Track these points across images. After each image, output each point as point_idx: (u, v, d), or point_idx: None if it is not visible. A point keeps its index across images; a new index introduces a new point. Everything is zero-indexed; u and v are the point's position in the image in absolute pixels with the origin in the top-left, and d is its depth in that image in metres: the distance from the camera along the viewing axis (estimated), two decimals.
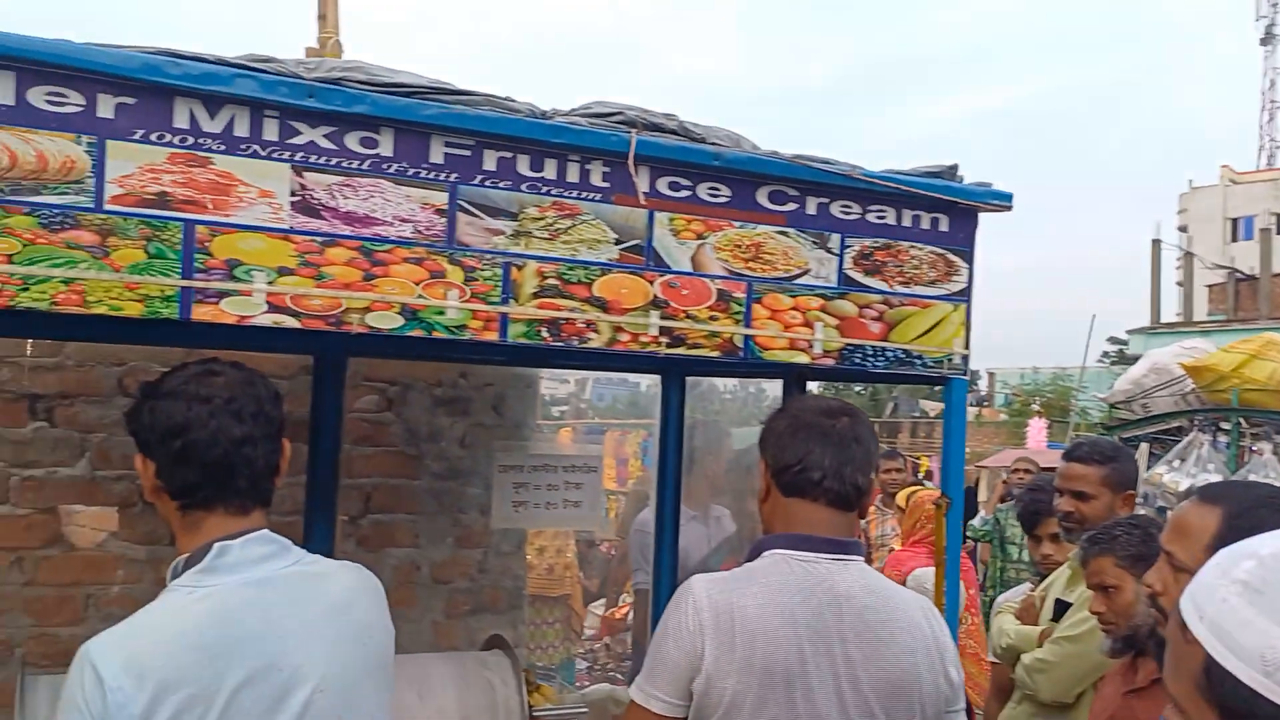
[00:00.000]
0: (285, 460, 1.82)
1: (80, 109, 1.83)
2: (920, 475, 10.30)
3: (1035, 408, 23.50)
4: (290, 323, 1.97)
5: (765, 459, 2.06)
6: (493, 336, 2.13)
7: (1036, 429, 19.39)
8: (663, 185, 2.27)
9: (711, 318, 2.31)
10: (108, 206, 1.85)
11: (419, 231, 2.07)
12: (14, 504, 3.29)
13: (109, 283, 1.85)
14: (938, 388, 2.65)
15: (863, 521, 2.42)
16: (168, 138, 1.89)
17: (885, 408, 30.23)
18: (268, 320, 1.95)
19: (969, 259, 2.58)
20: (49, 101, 1.81)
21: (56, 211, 1.82)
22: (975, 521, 7.38)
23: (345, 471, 3.47)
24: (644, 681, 1.94)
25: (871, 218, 2.47)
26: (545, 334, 2.17)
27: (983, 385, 35.45)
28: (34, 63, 1.79)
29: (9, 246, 1.79)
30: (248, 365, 1.83)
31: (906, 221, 2.50)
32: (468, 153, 2.11)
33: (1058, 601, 3.27)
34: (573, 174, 2.19)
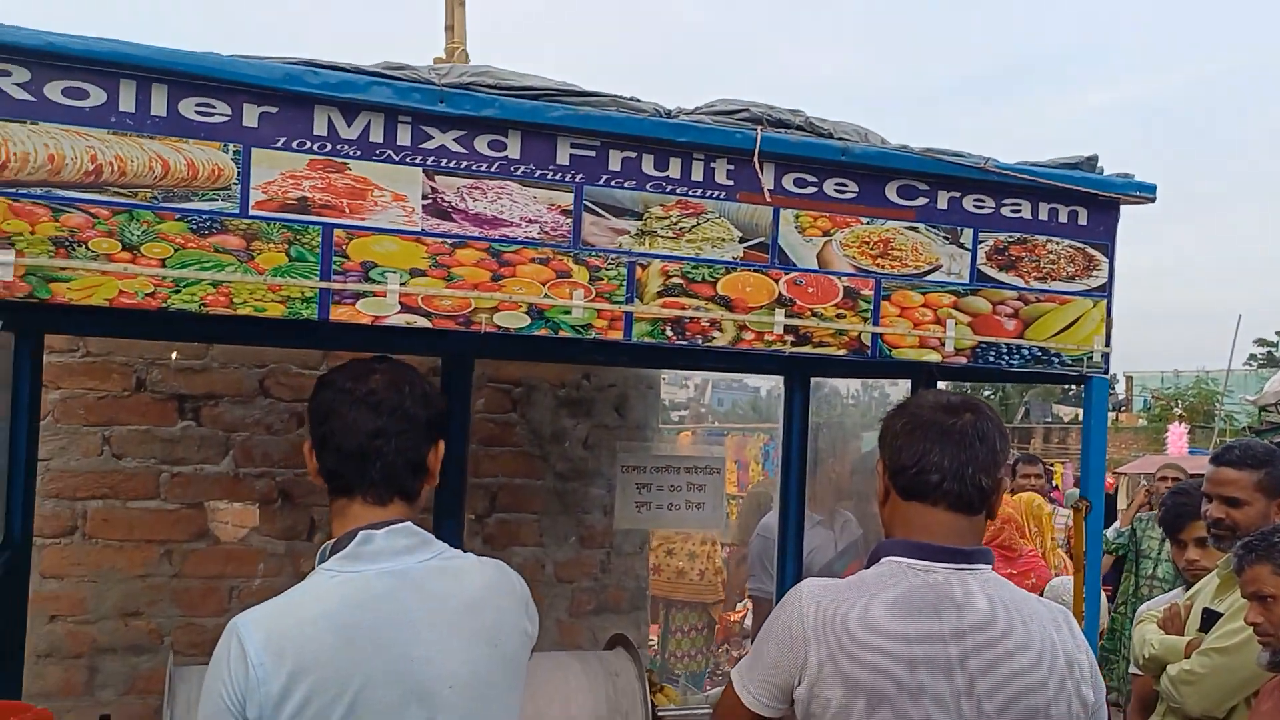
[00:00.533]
0: (435, 458, 1.86)
1: (226, 119, 1.91)
2: (1054, 483, 9.92)
3: (1177, 412, 22.46)
4: (422, 323, 2.02)
5: (883, 459, 1.98)
6: (617, 336, 2.14)
7: (1177, 435, 18.51)
8: (788, 182, 2.25)
9: (838, 316, 2.28)
10: (252, 212, 1.93)
11: (545, 232, 2.10)
12: (164, 499, 3.46)
13: (253, 285, 1.93)
14: (1072, 390, 2.55)
15: None
16: (307, 144, 1.96)
17: (1016, 412, 29.32)
18: (400, 320, 2.01)
19: (1109, 253, 2.48)
20: (198, 112, 1.90)
21: (205, 217, 1.91)
22: (1109, 533, 7.05)
23: (471, 471, 3.55)
24: (744, 670, 1.90)
25: (1006, 212, 2.39)
26: (669, 333, 2.17)
27: (1120, 389, 34.09)
28: (185, 75, 1.88)
29: (162, 251, 1.88)
30: (411, 367, 1.87)
31: (1043, 215, 2.42)
32: (593, 153, 2.13)
33: (1206, 611, 3.11)
34: (697, 172, 2.19)
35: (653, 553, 7.03)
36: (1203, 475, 3.32)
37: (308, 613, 1.68)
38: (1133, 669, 3.52)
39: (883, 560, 1.91)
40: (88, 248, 1.84)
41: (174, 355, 3.47)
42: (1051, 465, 12.36)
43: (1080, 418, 2.69)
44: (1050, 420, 27.80)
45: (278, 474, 3.55)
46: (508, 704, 1.84)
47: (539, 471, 3.89)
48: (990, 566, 1.92)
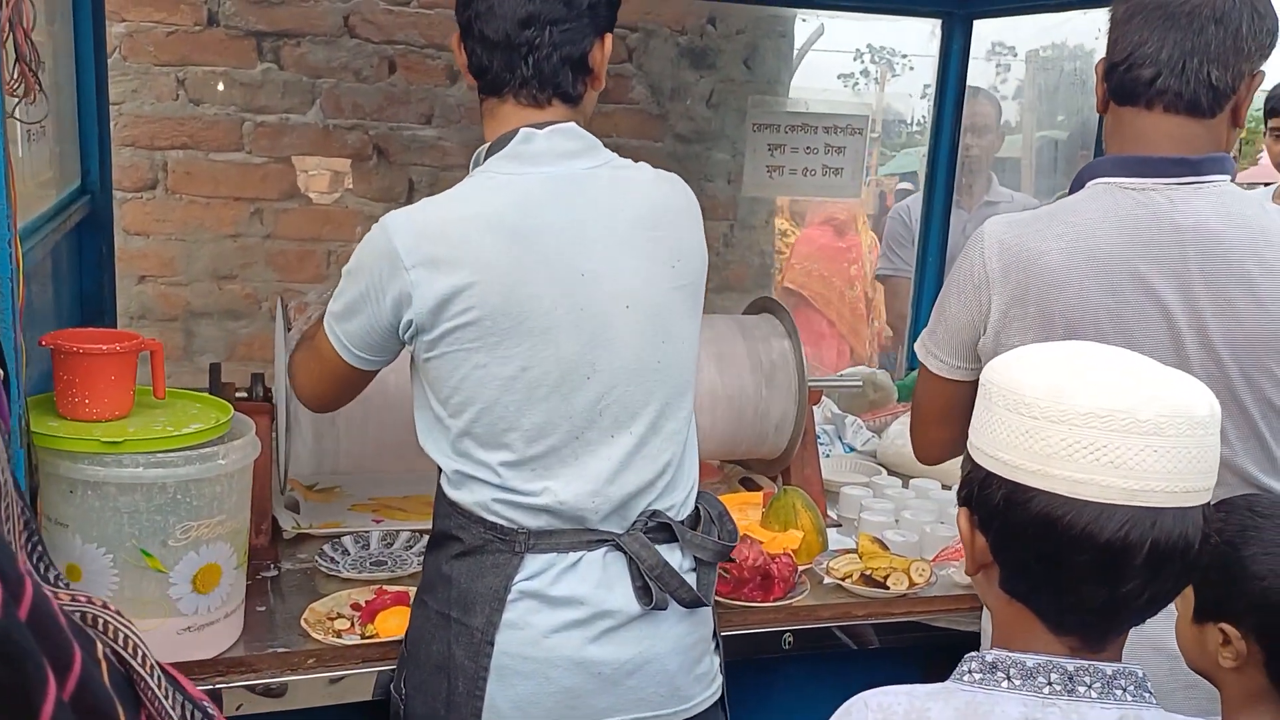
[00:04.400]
0: (601, 55, 1.54)
1: None
2: None
3: None
4: None
5: (1105, 57, 1.61)
6: None
7: None
8: None
9: None
10: None
11: None
12: (249, 151, 3.14)
13: None
14: None
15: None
16: None
17: None
18: None
19: None
20: None
21: None
22: None
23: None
24: (926, 336, 1.68)
25: None
26: None
27: None
28: None
29: None
30: None
31: None
32: None
33: None
34: None
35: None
36: None
37: (466, 211, 1.45)
38: None
39: (1087, 184, 1.56)
40: None
41: None
42: None
43: None
44: None
45: (370, 127, 3.20)
46: (687, 333, 1.56)
47: (658, 132, 3.49)
48: (1229, 177, 1.54)
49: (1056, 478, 0.92)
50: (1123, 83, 1.55)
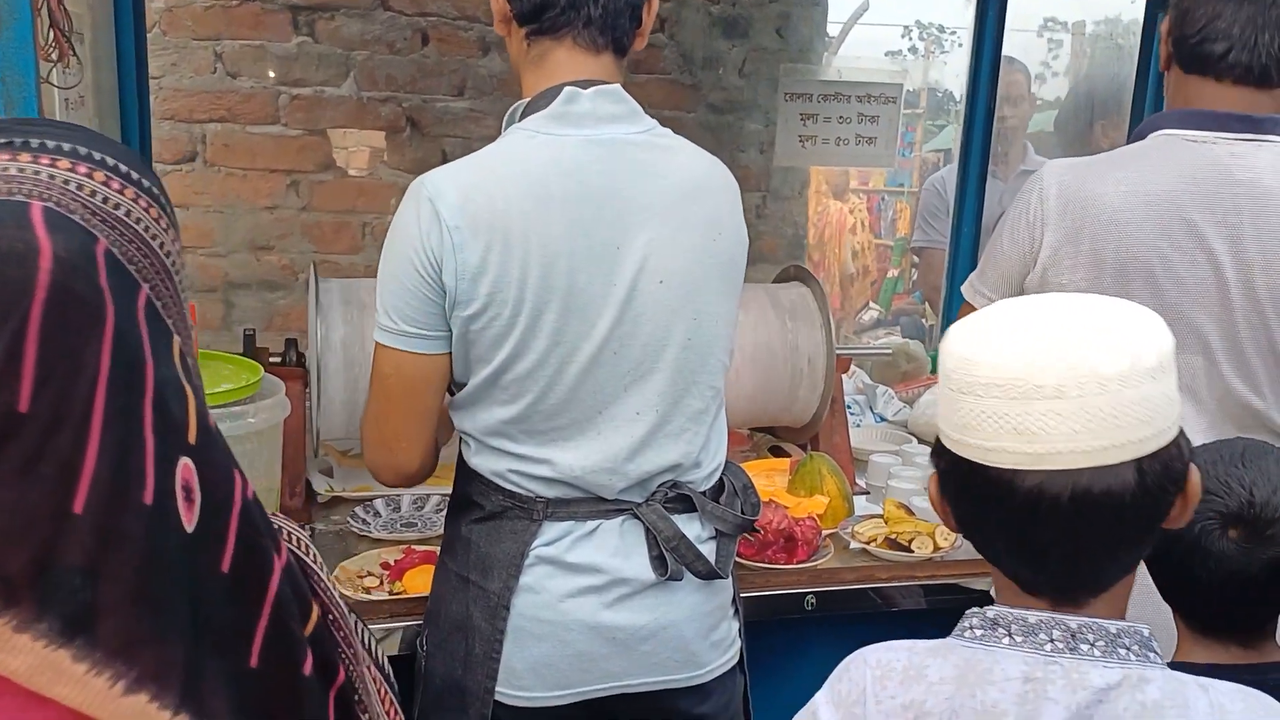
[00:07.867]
0: (648, 14, 1.49)
1: None
2: None
3: None
4: None
5: (1169, 18, 1.65)
6: None
7: None
8: None
9: None
10: None
11: None
12: (285, 124, 3.18)
13: None
14: None
15: None
16: None
17: None
18: None
19: None
20: None
21: None
22: None
23: None
24: (975, 278, 1.73)
25: None
26: None
27: None
28: None
29: None
30: None
31: None
32: None
33: None
34: None
35: None
36: None
37: (506, 171, 1.39)
38: None
39: (1151, 135, 1.62)
40: None
41: None
42: None
43: None
44: None
45: (404, 99, 3.23)
46: (721, 311, 1.52)
47: (690, 102, 3.48)
48: None
49: (971, 446, 0.92)
50: (1193, 54, 1.58)
